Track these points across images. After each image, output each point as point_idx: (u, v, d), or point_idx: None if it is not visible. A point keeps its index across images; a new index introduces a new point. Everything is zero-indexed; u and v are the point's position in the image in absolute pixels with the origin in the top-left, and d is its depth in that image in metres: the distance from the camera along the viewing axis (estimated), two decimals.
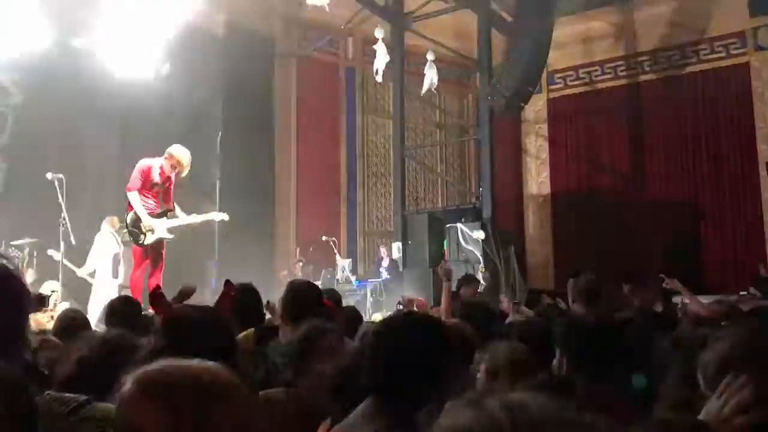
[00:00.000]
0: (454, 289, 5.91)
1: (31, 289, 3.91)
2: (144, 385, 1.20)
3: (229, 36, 12.08)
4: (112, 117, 10.60)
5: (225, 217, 7.59)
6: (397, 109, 13.40)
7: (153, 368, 1.23)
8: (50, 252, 7.90)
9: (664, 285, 4.87)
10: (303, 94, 13.66)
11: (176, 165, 7.10)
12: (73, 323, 3.77)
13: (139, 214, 6.92)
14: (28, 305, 1.47)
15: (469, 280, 7.41)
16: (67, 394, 2.03)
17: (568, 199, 14.98)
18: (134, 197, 6.97)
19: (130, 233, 6.93)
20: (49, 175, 7.49)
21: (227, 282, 3.76)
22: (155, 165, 7.09)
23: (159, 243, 7.08)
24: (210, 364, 1.29)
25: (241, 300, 3.73)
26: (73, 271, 8.13)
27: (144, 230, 6.94)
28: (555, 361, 2.58)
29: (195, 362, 1.27)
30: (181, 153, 7.13)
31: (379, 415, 1.78)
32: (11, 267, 1.50)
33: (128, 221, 6.96)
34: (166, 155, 7.12)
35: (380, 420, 1.75)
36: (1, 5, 8.69)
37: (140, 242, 6.99)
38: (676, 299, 10.58)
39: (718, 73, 13.64)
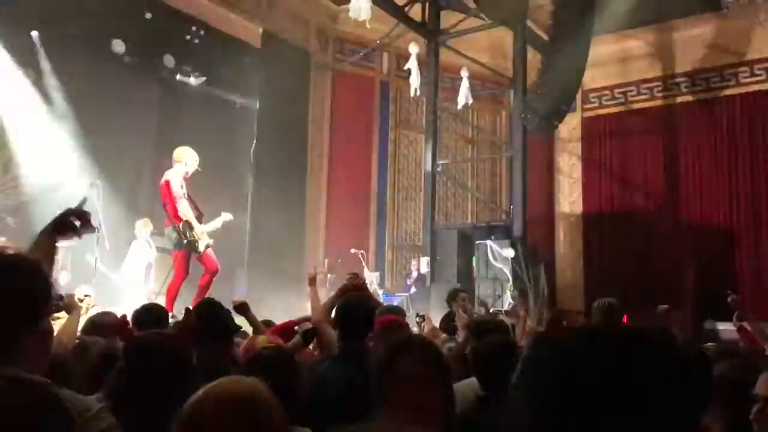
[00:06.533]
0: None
1: (65, 292, 3.99)
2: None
3: (266, 48, 12.22)
4: (149, 125, 10.77)
5: (230, 216, 7.61)
6: (429, 124, 13.41)
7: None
8: (87, 257, 8.02)
9: (729, 300, 4.75)
10: (337, 107, 13.77)
11: (195, 161, 7.23)
12: (101, 324, 3.82)
13: (192, 223, 6.98)
14: (39, 299, 1.55)
15: (455, 295, 6.77)
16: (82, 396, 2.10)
17: (600, 219, 14.83)
18: (185, 206, 7.02)
19: (189, 243, 6.96)
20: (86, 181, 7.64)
21: (187, 310, 3.80)
22: (178, 173, 7.16)
23: (206, 248, 7.18)
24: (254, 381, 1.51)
25: (204, 318, 3.68)
26: (107, 276, 8.25)
27: (197, 238, 7.00)
28: None
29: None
30: (191, 150, 7.28)
31: None
32: (24, 259, 1.59)
33: (183, 232, 6.96)
34: (184, 161, 7.20)
35: None
36: None
37: (199, 250, 7.03)
38: (708, 325, 10.39)
39: (759, 97, 13.43)
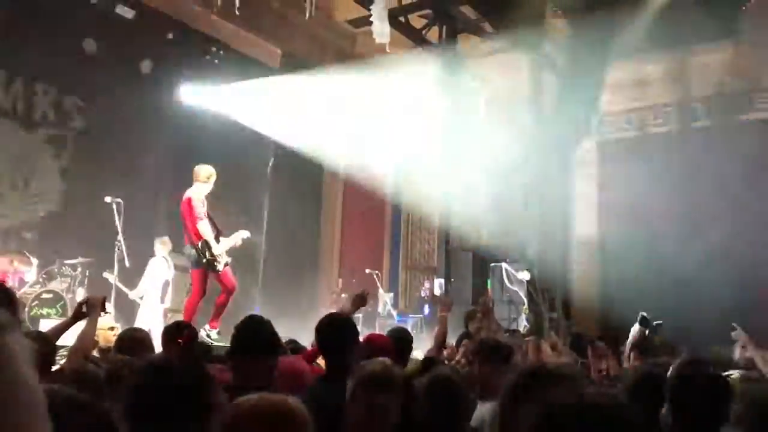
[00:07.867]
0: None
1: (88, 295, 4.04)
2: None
3: (285, 69, 12.33)
4: (170, 144, 10.88)
5: (247, 234, 7.47)
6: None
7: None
8: (105, 274, 8.09)
9: (732, 335, 4.74)
10: None
11: (214, 179, 7.23)
12: (133, 341, 3.79)
13: (210, 243, 6.94)
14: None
15: (471, 315, 7.07)
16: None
17: (616, 243, 14.71)
18: (205, 225, 6.96)
19: (209, 262, 6.94)
20: (107, 199, 7.71)
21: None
22: (200, 191, 7.14)
23: (225, 266, 7.16)
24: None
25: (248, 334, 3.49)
26: (125, 293, 8.31)
27: (217, 257, 6.97)
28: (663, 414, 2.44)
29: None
30: (211, 168, 7.25)
31: None
32: None
33: (202, 251, 6.94)
34: (206, 178, 7.16)
35: None
36: None
37: (218, 269, 7.01)
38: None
39: None
